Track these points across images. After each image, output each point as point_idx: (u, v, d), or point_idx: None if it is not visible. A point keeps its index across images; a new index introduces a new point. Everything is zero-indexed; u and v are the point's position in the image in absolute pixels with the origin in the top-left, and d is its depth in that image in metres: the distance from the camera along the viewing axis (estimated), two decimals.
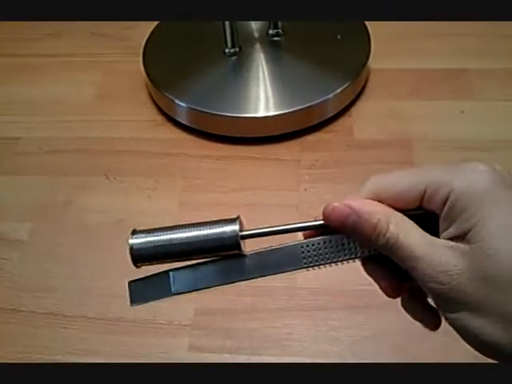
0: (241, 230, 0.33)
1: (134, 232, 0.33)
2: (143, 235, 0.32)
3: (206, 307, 0.57)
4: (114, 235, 0.64)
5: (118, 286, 0.59)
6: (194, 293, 0.32)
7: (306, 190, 0.66)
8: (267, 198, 0.66)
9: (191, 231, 0.32)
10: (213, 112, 0.71)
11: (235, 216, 0.32)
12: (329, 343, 0.54)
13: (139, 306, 0.35)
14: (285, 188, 0.67)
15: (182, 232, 0.32)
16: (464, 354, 0.29)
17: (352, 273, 0.57)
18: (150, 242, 0.32)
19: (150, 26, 0.84)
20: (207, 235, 0.31)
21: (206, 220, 0.32)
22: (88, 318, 0.57)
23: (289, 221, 0.64)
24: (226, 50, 0.77)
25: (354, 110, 0.74)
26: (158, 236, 0.32)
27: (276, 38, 0.80)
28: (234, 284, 0.33)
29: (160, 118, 0.77)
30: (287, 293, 0.57)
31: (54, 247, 0.63)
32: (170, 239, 0.32)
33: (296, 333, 0.55)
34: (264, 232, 0.34)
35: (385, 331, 0.54)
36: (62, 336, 0.56)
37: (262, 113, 0.71)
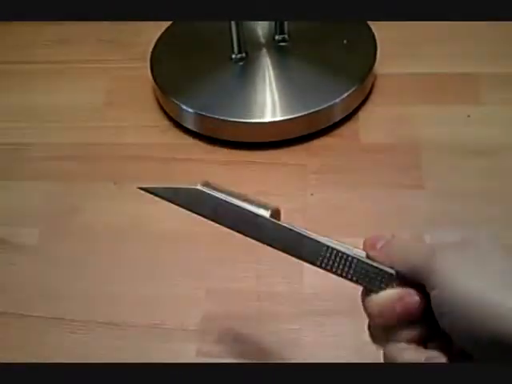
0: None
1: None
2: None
3: (213, 312, 0.57)
4: (121, 241, 0.64)
5: (125, 292, 0.60)
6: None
7: (312, 194, 0.66)
8: (274, 202, 0.66)
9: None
10: (219, 117, 0.72)
11: (271, 209, 0.37)
12: (336, 348, 0.54)
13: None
14: (292, 193, 0.67)
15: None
16: None
17: None
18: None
19: (157, 32, 0.85)
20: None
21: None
22: (96, 323, 0.58)
23: (296, 225, 0.64)
24: (233, 56, 0.78)
25: (361, 115, 0.75)
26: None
27: (282, 44, 0.80)
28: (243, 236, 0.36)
29: (167, 123, 0.77)
30: (293, 298, 0.57)
31: (62, 253, 0.64)
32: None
33: (303, 338, 0.55)
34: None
35: None
36: (69, 341, 0.57)
37: (268, 118, 0.71)
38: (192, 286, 0.59)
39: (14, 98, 0.83)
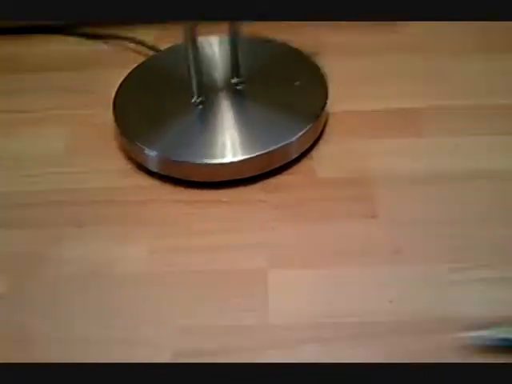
0: None
1: None
2: None
3: (184, 349, 0.59)
4: (89, 286, 0.65)
5: (95, 335, 0.61)
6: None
7: (273, 228, 0.70)
8: (239, 238, 0.69)
9: None
10: (182, 160, 0.75)
11: None
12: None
13: None
14: (255, 228, 0.70)
15: None
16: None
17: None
18: None
19: (118, 78, 0.87)
20: None
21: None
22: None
23: (260, 258, 0.66)
24: (193, 100, 0.81)
25: (315, 152, 0.79)
26: None
27: (239, 87, 0.85)
28: None
29: (131, 167, 0.79)
30: (259, 332, 0.59)
31: (31, 300, 0.64)
32: None
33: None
34: None
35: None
36: None
37: (228, 158, 0.75)
38: (161, 323, 0.61)
39: None
